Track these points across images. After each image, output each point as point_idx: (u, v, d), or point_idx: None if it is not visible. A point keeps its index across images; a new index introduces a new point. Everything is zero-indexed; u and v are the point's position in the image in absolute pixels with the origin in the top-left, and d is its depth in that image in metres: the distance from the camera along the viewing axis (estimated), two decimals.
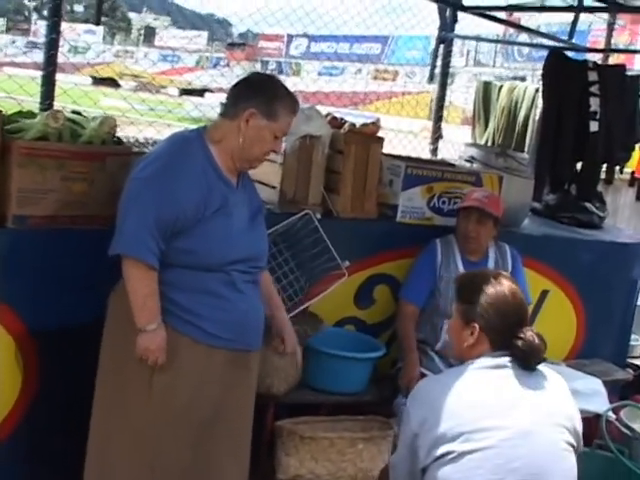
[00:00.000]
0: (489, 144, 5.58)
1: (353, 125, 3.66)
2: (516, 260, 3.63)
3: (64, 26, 4.20)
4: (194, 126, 2.60)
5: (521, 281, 3.56)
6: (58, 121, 2.70)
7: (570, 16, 5.57)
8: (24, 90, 4.40)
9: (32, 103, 3.81)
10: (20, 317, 2.67)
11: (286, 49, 41.29)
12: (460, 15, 5.64)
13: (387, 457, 2.92)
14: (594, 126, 4.71)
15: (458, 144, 5.77)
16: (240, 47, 43.06)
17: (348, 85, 30.06)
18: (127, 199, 2.31)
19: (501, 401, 2.03)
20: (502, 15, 6.31)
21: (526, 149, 5.27)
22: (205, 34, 46.18)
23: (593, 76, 4.78)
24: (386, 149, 3.79)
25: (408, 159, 4.04)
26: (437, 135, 5.91)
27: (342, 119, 3.82)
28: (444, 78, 5.97)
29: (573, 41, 5.83)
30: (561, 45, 5.83)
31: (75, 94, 4.83)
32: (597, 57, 6.72)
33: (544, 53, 5.10)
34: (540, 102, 5.05)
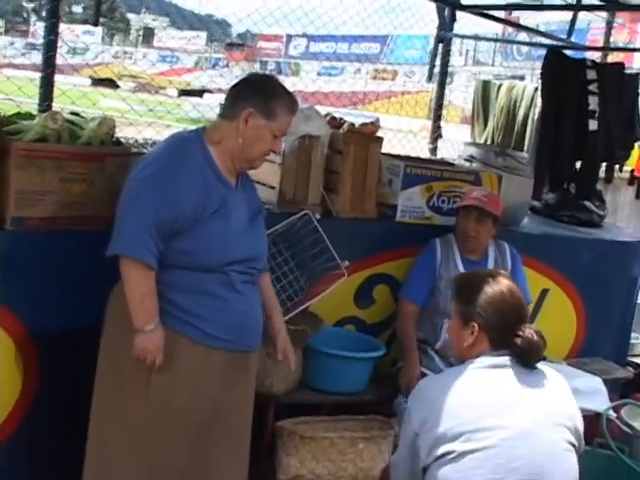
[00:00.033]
0: (488, 143, 5.58)
1: (352, 125, 3.66)
2: (516, 259, 3.64)
3: (62, 27, 4.19)
4: (193, 127, 2.60)
5: (521, 280, 3.57)
6: (57, 122, 2.70)
7: (569, 15, 5.57)
8: (23, 92, 4.41)
9: (31, 104, 3.81)
10: (20, 319, 2.67)
11: (285, 49, 41.29)
12: (459, 14, 5.64)
13: (387, 457, 2.92)
14: (593, 125, 4.71)
15: (457, 143, 5.78)
16: (239, 48, 43.07)
17: (347, 85, 30.06)
18: (126, 199, 2.31)
19: (501, 400, 2.03)
20: (501, 14, 6.32)
21: (525, 148, 5.27)
22: (204, 35, 46.20)
23: (592, 75, 4.78)
24: (385, 149, 3.79)
25: (407, 158, 4.05)
26: (436, 134, 5.91)
27: (341, 119, 3.83)
28: (443, 77, 5.97)
29: (572, 40, 5.84)
30: (560, 44, 5.83)
31: (74, 95, 4.83)
32: (596, 55, 6.72)
33: (543, 52, 5.10)
34: (539, 101, 5.05)
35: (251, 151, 2.41)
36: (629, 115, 5.04)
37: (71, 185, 2.70)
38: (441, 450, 1.98)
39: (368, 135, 3.60)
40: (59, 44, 3.89)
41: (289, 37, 39.79)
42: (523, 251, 3.74)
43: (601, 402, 3.49)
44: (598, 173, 5.13)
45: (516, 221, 4.14)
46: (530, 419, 2.01)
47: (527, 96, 5.44)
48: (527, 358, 2.09)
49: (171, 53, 43.66)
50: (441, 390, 2.06)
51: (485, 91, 5.85)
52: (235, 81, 2.53)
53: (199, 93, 25.12)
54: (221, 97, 2.54)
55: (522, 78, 17.66)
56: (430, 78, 6.29)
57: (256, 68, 33.43)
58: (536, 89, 5.30)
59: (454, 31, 5.79)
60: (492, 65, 28.40)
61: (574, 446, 2.08)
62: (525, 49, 24.08)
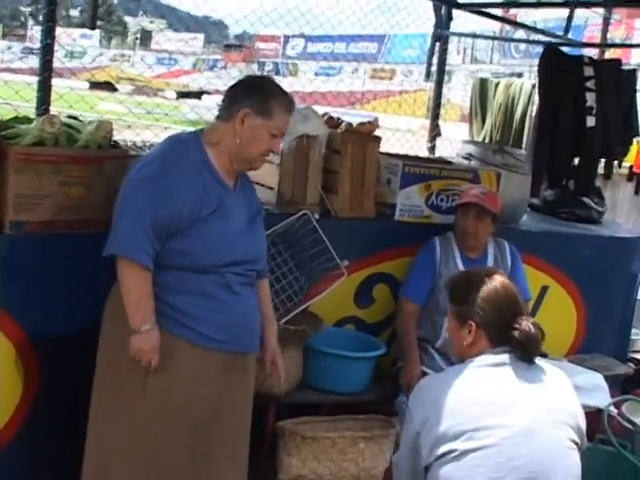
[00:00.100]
0: (486, 141, 5.58)
1: (350, 124, 3.66)
2: (515, 256, 3.64)
3: (59, 31, 4.20)
4: (192, 129, 2.60)
5: (521, 277, 3.57)
6: (54, 126, 2.70)
7: (566, 12, 5.57)
8: (20, 96, 4.40)
9: (28, 109, 3.81)
10: (19, 323, 2.67)
11: (283, 50, 41.27)
12: (455, 12, 5.64)
13: (389, 456, 2.92)
14: (591, 121, 4.71)
15: (456, 142, 5.77)
16: (237, 49, 43.03)
17: (345, 85, 30.05)
18: (123, 200, 2.31)
19: (502, 399, 2.03)
20: (498, 12, 6.32)
21: (524, 145, 5.28)
22: (201, 36, 46.17)
23: (589, 71, 4.78)
24: (384, 148, 3.79)
25: (405, 157, 4.05)
26: (435, 133, 5.91)
27: (339, 119, 3.82)
28: (441, 76, 5.96)
29: (569, 36, 5.83)
30: (557, 41, 5.83)
31: (72, 99, 4.83)
32: (593, 52, 6.72)
33: (541, 49, 5.10)
34: (537, 98, 5.05)
35: (249, 151, 2.40)
36: (627, 111, 5.04)
37: (69, 189, 2.70)
38: (442, 449, 1.98)
39: (366, 134, 3.60)
40: (56, 48, 3.88)
41: (286, 37, 39.78)
42: (522, 248, 3.74)
43: (602, 398, 3.49)
44: (596, 169, 5.13)
45: (515, 218, 4.15)
46: (531, 416, 2.01)
47: (525, 93, 5.44)
48: (527, 351, 2.09)
49: (169, 55, 43.62)
50: (442, 389, 2.06)
51: (483, 89, 5.85)
52: (233, 82, 2.53)
53: (197, 95, 25.14)
54: (219, 99, 2.54)
55: (520, 75, 17.66)
56: (428, 77, 6.28)
57: (254, 69, 33.41)
58: (534, 86, 5.30)
59: (451, 29, 5.78)
60: (490, 63, 28.37)
61: (576, 444, 2.08)
62: (523, 46, 24.04)
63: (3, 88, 5.08)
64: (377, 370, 3.43)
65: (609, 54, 8.19)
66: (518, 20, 9.98)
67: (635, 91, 5.14)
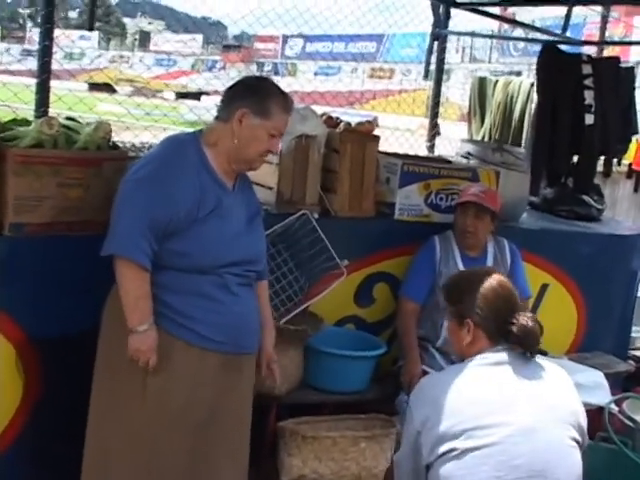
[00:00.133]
0: (485, 140, 5.57)
1: (349, 124, 3.66)
2: (515, 255, 3.64)
3: (58, 33, 4.19)
4: (190, 129, 2.60)
5: (521, 276, 3.57)
6: (53, 128, 2.70)
7: (564, 10, 5.57)
8: (19, 98, 4.41)
9: (27, 111, 3.82)
10: (19, 325, 2.67)
11: (281, 50, 41.26)
12: (454, 11, 5.63)
13: (390, 455, 2.93)
14: (590, 119, 4.70)
15: (455, 140, 5.76)
16: (235, 49, 43.01)
17: (344, 84, 30.04)
18: (120, 200, 2.31)
19: (502, 397, 2.03)
20: (496, 10, 6.31)
21: (523, 143, 5.27)
22: (200, 37, 46.12)
23: (587, 69, 4.78)
24: (383, 147, 3.79)
25: (404, 156, 4.05)
26: (434, 132, 5.91)
27: (337, 118, 3.83)
28: (439, 75, 5.95)
29: (568, 34, 5.83)
30: (556, 39, 5.83)
31: (70, 100, 4.83)
32: (592, 50, 6.72)
33: (539, 47, 5.10)
34: (535, 96, 5.05)
35: (247, 152, 2.40)
36: (625, 109, 5.04)
37: (68, 190, 2.70)
38: (443, 448, 1.99)
39: (365, 134, 3.61)
40: (55, 49, 3.89)
41: (285, 38, 39.77)
42: (522, 246, 3.74)
43: (603, 396, 3.49)
44: (595, 167, 5.13)
45: (515, 217, 4.15)
46: (531, 414, 2.01)
47: (523, 91, 5.43)
48: (526, 346, 2.10)
49: (167, 56, 43.59)
50: (442, 388, 2.06)
51: (481, 88, 5.84)
52: (231, 83, 2.53)
53: (196, 96, 25.13)
54: (218, 99, 2.54)
55: (519, 74, 17.65)
56: (426, 76, 6.27)
57: (253, 70, 33.37)
58: (532, 84, 5.29)
59: (450, 28, 5.78)
60: (489, 62, 28.37)
61: (578, 442, 2.08)
62: (521, 45, 24.03)
63: (2, 90, 5.07)
64: (378, 369, 3.43)
65: (608, 52, 8.19)
66: (516, 19, 9.96)
67: (634, 89, 5.14)
